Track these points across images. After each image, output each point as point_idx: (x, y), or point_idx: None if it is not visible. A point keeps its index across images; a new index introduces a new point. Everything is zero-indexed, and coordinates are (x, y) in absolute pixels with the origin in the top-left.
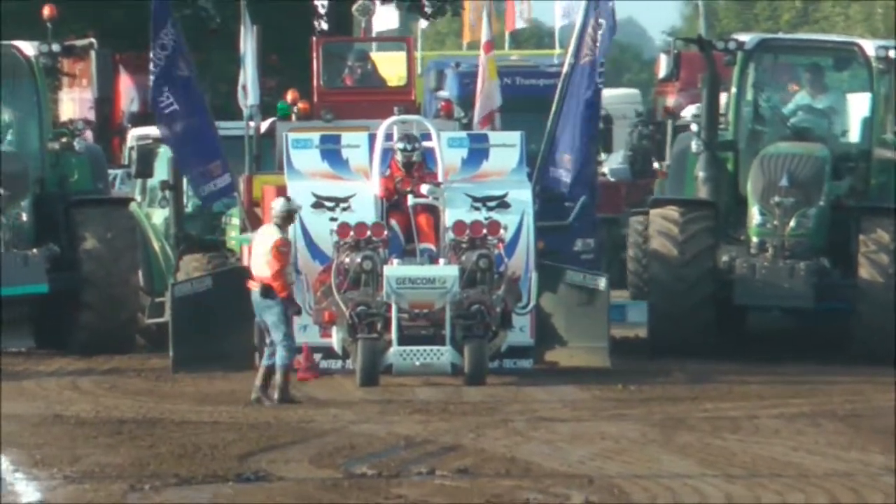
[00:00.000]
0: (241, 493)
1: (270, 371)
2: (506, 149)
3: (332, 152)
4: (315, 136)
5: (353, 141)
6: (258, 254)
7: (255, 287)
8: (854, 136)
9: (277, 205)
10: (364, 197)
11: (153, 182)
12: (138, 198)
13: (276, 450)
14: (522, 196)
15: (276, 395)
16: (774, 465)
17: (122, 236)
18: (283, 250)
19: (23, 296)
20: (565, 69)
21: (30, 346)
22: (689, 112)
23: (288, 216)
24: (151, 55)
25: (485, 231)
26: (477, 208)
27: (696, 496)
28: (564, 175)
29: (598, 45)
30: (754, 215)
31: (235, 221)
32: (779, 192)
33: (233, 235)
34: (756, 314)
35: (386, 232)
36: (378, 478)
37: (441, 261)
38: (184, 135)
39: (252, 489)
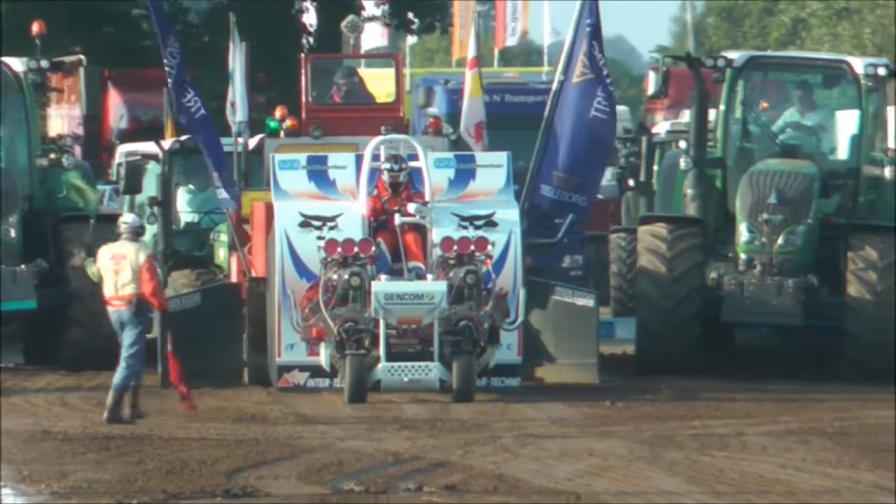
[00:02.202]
0: None
1: (132, 391)
2: (493, 169)
3: (318, 173)
4: (302, 157)
5: (340, 162)
6: (124, 272)
7: (120, 305)
8: (843, 153)
9: (128, 219)
10: (351, 216)
11: (141, 198)
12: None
13: (264, 466)
14: (509, 216)
15: (127, 412)
16: (762, 483)
17: None
18: (156, 265)
19: (12, 312)
20: (555, 86)
21: (18, 362)
22: (663, 129)
23: (138, 232)
24: (165, 63)
25: (472, 247)
26: (464, 227)
27: None
28: (557, 195)
29: (603, 67)
30: (742, 232)
31: (224, 238)
32: (767, 210)
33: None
34: (744, 331)
35: (373, 248)
36: (366, 494)
37: (429, 277)
38: (213, 139)
39: None
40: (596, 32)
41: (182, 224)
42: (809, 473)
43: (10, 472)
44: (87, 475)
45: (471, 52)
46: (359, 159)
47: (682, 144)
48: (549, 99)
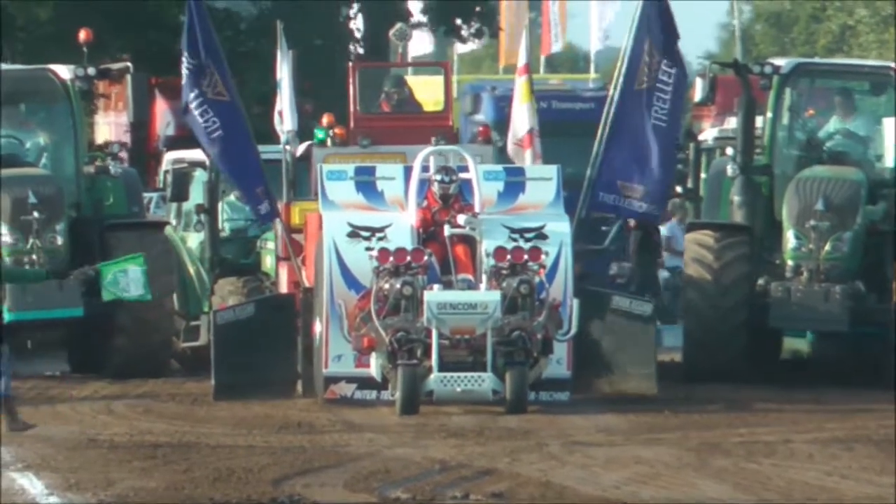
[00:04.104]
0: None
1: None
2: (542, 182)
3: (366, 184)
4: (349, 168)
5: (388, 173)
6: None
7: None
8: (889, 160)
9: None
10: (400, 226)
11: (188, 206)
12: (173, 221)
13: (311, 474)
14: (560, 228)
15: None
16: (808, 490)
17: (156, 260)
18: None
19: (58, 319)
20: (611, 92)
21: (64, 370)
22: (710, 135)
23: None
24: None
25: (526, 257)
26: (514, 239)
27: None
28: (635, 205)
29: (658, 76)
30: (789, 239)
31: (271, 246)
32: (814, 216)
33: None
34: (791, 338)
35: (426, 257)
36: (413, 502)
37: (482, 286)
38: (233, 157)
39: None
40: (662, 39)
41: (228, 231)
42: (855, 481)
43: (57, 480)
44: (134, 483)
45: (521, 60)
46: (407, 170)
47: (729, 151)
48: (606, 106)
